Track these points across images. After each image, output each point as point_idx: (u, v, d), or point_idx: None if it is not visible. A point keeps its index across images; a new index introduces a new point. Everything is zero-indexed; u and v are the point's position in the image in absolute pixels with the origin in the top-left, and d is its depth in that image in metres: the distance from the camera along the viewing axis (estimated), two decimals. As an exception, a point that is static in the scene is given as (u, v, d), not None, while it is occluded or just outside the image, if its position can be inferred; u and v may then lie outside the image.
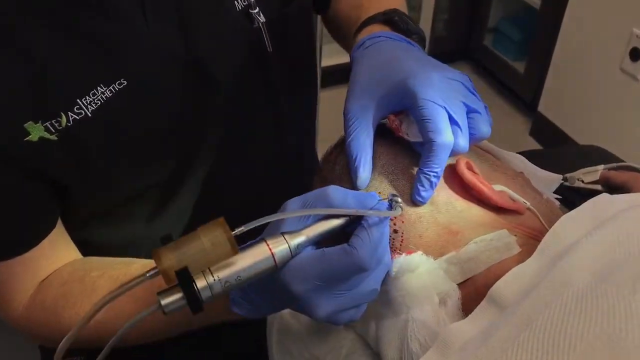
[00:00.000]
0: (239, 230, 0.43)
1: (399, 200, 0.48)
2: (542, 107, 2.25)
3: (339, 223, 0.47)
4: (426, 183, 0.51)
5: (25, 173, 0.56)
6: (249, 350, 0.80)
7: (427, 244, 0.52)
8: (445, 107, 0.50)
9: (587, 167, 0.80)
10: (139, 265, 0.60)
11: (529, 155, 0.69)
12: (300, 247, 0.45)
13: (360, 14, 0.72)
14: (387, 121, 0.56)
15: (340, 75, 2.23)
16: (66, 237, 0.65)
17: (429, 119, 0.50)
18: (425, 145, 0.51)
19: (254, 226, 0.43)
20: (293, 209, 0.46)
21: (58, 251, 0.63)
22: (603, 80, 1.93)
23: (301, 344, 0.60)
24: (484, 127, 0.53)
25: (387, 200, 0.49)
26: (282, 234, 0.45)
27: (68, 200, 0.62)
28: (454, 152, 0.52)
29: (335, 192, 0.47)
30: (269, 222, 0.46)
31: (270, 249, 0.44)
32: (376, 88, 0.54)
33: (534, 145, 2.27)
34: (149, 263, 0.45)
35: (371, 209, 0.47)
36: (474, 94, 0.55)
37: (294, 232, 0.45)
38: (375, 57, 0.58)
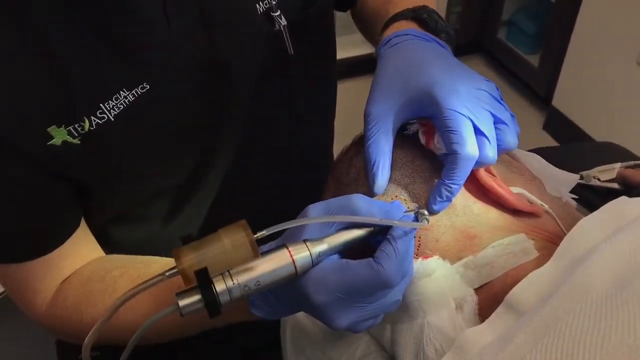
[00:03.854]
0: (260, 234, 0.42)
1: (425, 212, 0.48)
2: (556, 101, 2.23)
3: (363, 233, 0.46)
4: (444, 194, 0.50)
5: (49, 175, 0.56)
6: (263, 345, 0.80)
7: (444, 249, 0.51)
8: (470, 118, 0.49)
9: (603, 164, 0.78)
10: (160, 265, 0.61)
11: (543, 152, 0.68)
12: (322, 256, 0.44)
13: (389, 9, 0.70)
14: (412, 130, 0.55)
15: (354, 68, 2.23)
16: (89, 235, 0.65)
17: (453, 130, 0.49)
18: (449, 157, 0.50)
19: (275, 230, 0.43)
20: (315, 215, 0.45)
21: (81, 249, 0.64)
22: (619, 75, 1.90)
23: (315, 344, 0.60)
24: (511, 139, 0.52)
25: (412, 213, 0.48)
26: (304, 240, 0.44)
27: (90, 200, 0.62)
28: (480, 164, 0.50)
29: (360, 201, 0.46)
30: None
31: (291, 256, 0.43)
32: (399, 92, 0.53)
33: (547, 139, 2.25)
34: (170, 262, 0.45)
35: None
36: (500, 102, 0.53)
37: (316, 239, 0.44)
38: (401, 58, 0.57)
